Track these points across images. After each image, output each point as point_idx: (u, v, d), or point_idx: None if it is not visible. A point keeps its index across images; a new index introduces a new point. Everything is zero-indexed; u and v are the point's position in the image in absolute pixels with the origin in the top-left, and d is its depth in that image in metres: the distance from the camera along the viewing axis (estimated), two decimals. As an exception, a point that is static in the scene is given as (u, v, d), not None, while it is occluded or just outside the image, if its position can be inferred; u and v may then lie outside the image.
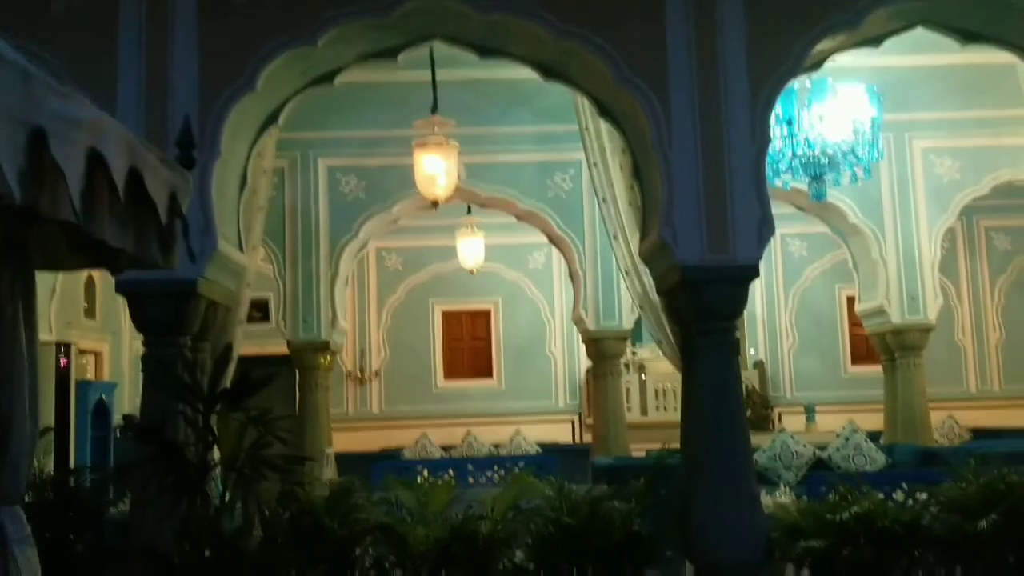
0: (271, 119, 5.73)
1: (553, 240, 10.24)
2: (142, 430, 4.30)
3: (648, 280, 6.11)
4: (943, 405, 12.59)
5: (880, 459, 9.27)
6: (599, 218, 9.60)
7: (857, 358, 14.25)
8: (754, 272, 5.22)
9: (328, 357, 9.79)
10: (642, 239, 5.79)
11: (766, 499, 5.85)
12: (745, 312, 13.68)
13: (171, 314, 5.11)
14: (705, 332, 5.23)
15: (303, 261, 9.64)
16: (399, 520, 5.11)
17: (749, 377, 14.01)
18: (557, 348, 14.40)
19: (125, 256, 2.62)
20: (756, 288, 14.28)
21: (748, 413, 12.29)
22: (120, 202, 2.24)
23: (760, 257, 5.22)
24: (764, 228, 5.21)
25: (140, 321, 5.19)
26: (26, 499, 2.95)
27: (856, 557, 5.02)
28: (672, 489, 5.44)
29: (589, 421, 13.88)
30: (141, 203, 2.42)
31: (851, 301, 14.26)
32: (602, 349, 9.63)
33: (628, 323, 9.66)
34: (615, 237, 6.37)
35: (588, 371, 13.95)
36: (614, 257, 9.61)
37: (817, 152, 7.60)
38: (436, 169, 7.78)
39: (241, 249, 5.76)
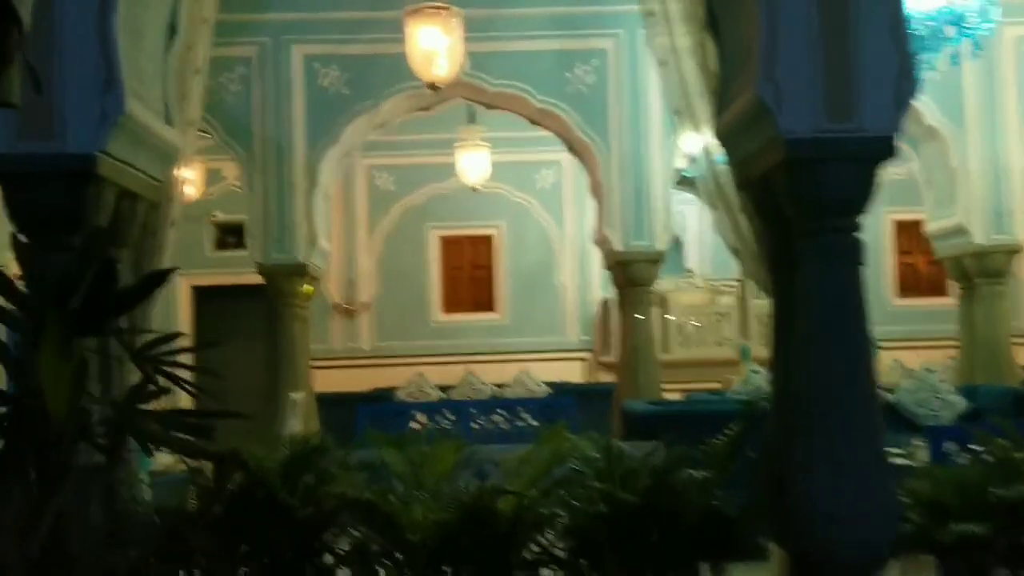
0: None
1: (572, 146, 8.68)
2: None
3: (721, 169, 4.56)
4: None
5: (960, 403, 7.85)
6: (629, 117, 8.10)
7: (905, 289, 12.79)
8: (888, 148, 3.68)
9: (307, 284, 8.28)
10: (720, 110, 4.24)
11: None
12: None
13: (58, 204, 3.58)
14: (817, 232, 3.70)
15: (275, 169, 8.08)
16: (384, 494, 3.63)
17: (783, 310, 12.55)
18: (568, 278, 12.89)
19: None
20: (791, 211, 12.75)
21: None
22: None
23: (898, 126, 3.68)
24: (904, 84, 3.65)
25: (15, 215, 3.65)
26: None
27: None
28: (763, 450, 3.97)
29: (603, 359, 12.45)
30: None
31: (900, 226, 12.81)
32: (630, 274, 8.12)
33: (662, 243, 8.14)
34: (677, 112, 4.80)
35: (602, 303, 12.51)
36: (646, 164, 8.13)
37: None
38: (435, 44, 6.21)
39: (170, 122, 4.21)
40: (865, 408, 3.68)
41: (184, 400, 11.77)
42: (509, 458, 4.04)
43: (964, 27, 6.15)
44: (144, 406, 2.27)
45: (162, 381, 2.34)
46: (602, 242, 8.39)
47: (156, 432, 1.89)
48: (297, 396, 4.62)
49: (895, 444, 5.22)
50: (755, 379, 7.84)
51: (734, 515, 3.70)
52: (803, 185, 3.69)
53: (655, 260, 8.14)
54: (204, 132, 8.21)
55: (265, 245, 8.02)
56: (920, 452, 5.09)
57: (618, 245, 8.12)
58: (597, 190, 8.42)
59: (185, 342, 12.99)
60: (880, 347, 11.33)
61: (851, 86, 3.65)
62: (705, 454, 4.00)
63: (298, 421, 4.80)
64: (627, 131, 8.16)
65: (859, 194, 3.72)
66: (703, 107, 4.52)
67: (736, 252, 4.61)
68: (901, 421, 7.57)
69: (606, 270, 8.76)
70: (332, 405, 10.04)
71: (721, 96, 4.29)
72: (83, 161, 3.55)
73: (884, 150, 3.67)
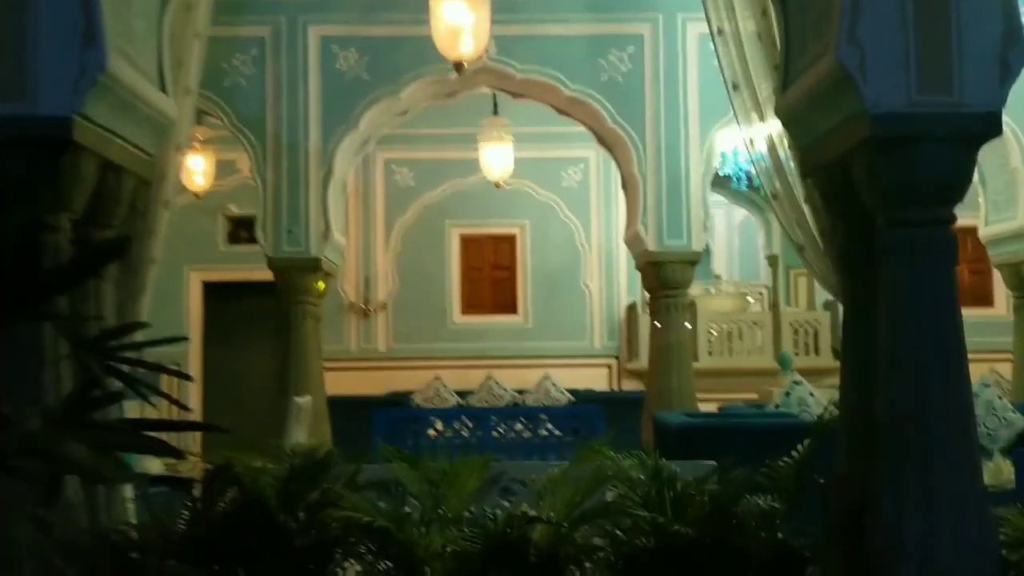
0: None
1: (603, 139, 8.16)
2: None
3: (784, 154, 4.03)
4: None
5: (1020, 422, 7.27)
6: (665, 108, 7.59)
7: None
8: (992, 125, 3.15)
9: (320, 280, 7.80)
10: (785, 85, 3.71)
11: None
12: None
13: (30, 175, 3.10)
14: (905, 225, 3.17)
15: (288, 157, 7.60)
16: (399, 519, 3.12)
17: (818, 318, 12.01)
18: (593, 280, 12.37)
19: None
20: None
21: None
22: None
23: (1003, 101, 3.15)
24: (1011, 53, 3.13)
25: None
26: None
27: None
28: (834, 479, 3.44)
29: (630, 366, 11.93)
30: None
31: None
32: (664, 276, 7.59)
33: (698, 243, 7.61)
34: (735, 87, 4.28)
35: (629, 308, 11.99)
36: (683, 158, 7.62)
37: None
38: (460, 20, 5.72)
39: (163, 89, 3.72)
40: (963, 432, 3.15)
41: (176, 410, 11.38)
42: (540, 478, 3.52)
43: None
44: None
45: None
46: (633, 241, 7.88)
47: (81, 455, 1.39)
48: (303, 401, 4.13)
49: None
50: (799, 391, 7.28)
51: (807, 553, 3.17)
52: (890, 169, 3.15)
53: (691, 261, 7.62)
54: (209, 114, 7.79)
55: (276, 238, 7.54)
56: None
57: (651, 244, 7.60)
58: (629, 186, 7.90)
59: (196, 338, 12.59)
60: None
61: (949, 53, 3.11)
62: (768, 479, 3.47)
63: (303, 428, 4.30)
64: (663, 123, 7.64)
65: (957, 179, 3.18)
66: (764, 82, 3.99)
67: (800, 250, 4.08)
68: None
69: (637, 271, 8.23)
70: (345, 410, 9.56)
71: (786, 69, 3.76)
72: (57, 125, 3.05)
73: (987, 128, 3.14)
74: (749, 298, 13.61)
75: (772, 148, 4.04)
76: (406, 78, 7.59)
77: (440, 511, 3.28)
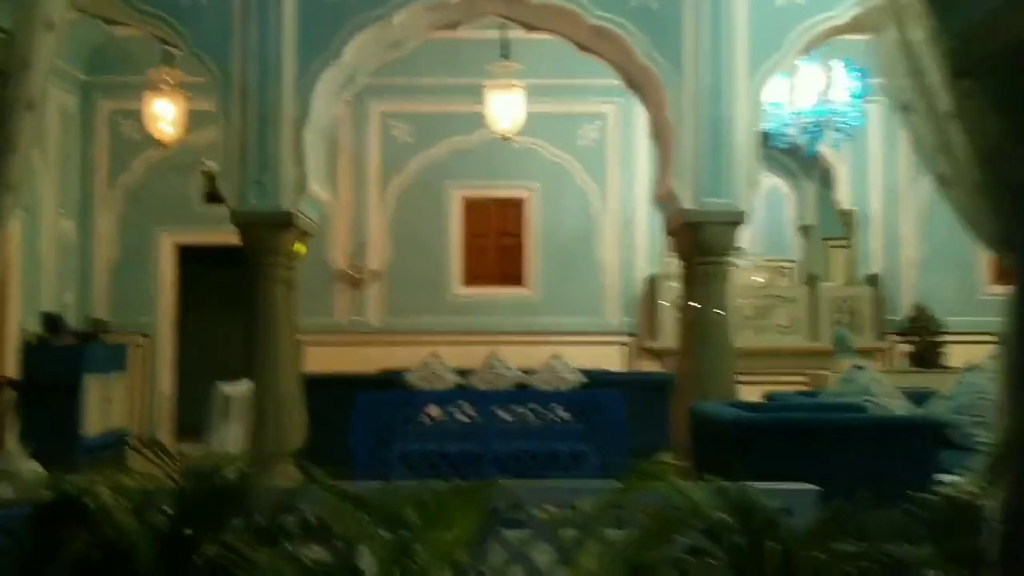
0: None
1: (631, 79, 6.96)
2: None
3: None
4: None
5: None
6: (709, 40, 6.37)
7: (1004, 275, 11.00)
8: None
9: (295, 240, 6.61)
10: None
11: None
12: (856, 210, 10.40)
13: None
14: None
15: (258, 93, 6.39)
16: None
17: (859, 294, 10.80)
18: (609, 250, 11.15)
19: None
20: (872, 180, 10.97)
21: (910, 345, 8.92)
22: None
23: None
24: None
25: None
26: None
27: None
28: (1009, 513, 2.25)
29: (648, 345, 10.75)
30: None
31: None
32: (702, 239, 6.39)
33: (744, 201, 6.40)
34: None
35: (648, 281, 10.79)
36: (727, 101, 6.40)
37: None
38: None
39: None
40: None
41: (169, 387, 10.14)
42: (566, 513, 2.35)
43: None
44: None
45: None
46: (665, 199, 6.66)
47: None
48: (233, 389, 2.96)
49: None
50: (861, 377, 6.09)
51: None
52: None
53: (734, 222, 6.40)
54: (167, 43, 6.59)
55: (242, 189, 6.34)
56: None
57: (687, 203, 6.39)
58: (662, 135, 6.69)
59: (169, 308, 11.43)
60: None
61: None
62: (912, 518, 2.28)
63: (234, 426, 3.11)
64: (706, 58, 6.42)
65: None
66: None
67: (942, 181, 2.86)
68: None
69: (668, 236, 7.01)
70: (327, 391, 8.43)
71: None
72: None
73: None
74: (782, 272, 12.41)
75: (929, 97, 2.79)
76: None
77: (415, 566, 2.10)
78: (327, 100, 6.73)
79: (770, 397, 6.54)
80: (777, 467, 4.44)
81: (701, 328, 6.42)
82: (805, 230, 12.93)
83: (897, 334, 8.58)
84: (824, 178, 12.08)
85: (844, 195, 11.07)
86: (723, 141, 6.38)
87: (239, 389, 2.90)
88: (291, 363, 6.51)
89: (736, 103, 6.42)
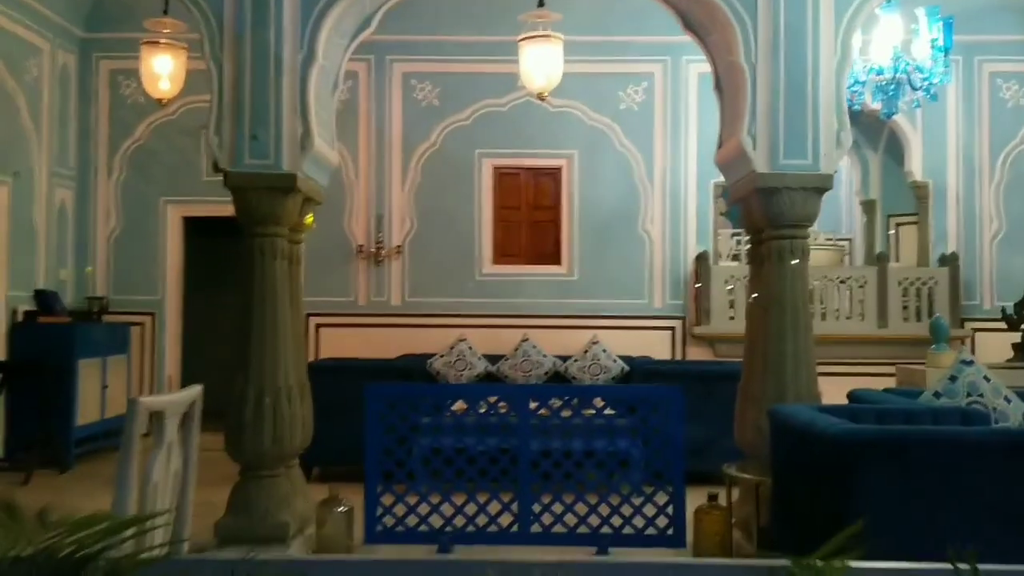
0: None
1: (692, 20, 5.92)
2: None
3: None
4: None
5: None
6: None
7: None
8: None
9: (298, 205, 5.65)
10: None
11: None
12: (932, 184, 9.30)
13: None
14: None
15: (253, 34, 5.42)
16: None
17: (934, 276, 9.71)
18: (655, 225, 10.14)
19: None
20: (949, 149, 9.86)
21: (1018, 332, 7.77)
22: None
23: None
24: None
25: None
26: None
27: None
28: None
29: (698, 331, 9.75)
30: None
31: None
32: (778, 208, 5.33)
33: (830, 163, 5.34)
34: None
35: (698, 259, 9.78)
36: (810, 45, 5.37)
37: None
38: None
39: None
40: None
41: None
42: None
43: None
44: None
45: None
46: (733, 160, 5.62)
47: None
48: (164, 402, 2.07)
49: None
50: (968, 374, 5.06)
51: None
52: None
53: (819, 188, 5.36)
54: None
55: (235, 145, 5.39)
56: None
57: (761, 164, 5.35)
58: (730, 84, 5.65)
59: (175, 286, 10.56)
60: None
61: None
62: None
63: (171, 462, 2.19)
64: (786, -9, 5.38)
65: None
66: None
67: None
68: None
69: (734, 205, 5.98)
70: (343, 379, 7.58)
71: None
72: None
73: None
74: (839, 251, 11.36)
75: None
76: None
77: None
78: (337, 43, 5.76)
79: (852, 396, 5.53)
80: (897, 497, 3.45)
81: (777, 314, 5.40)
82: (867, 205, 11.86)
83: (1003, 320, 7.50)
84: (890, 146, 10.99)
85: (916, 166, 9.96)
86: (804, 93, 5.33)
87: (176, 400, 2.01)
88: (295, 350, 5.59)
89: (820, 48, 5.38)
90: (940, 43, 7.88)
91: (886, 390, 5.69)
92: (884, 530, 3.43)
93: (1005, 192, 9.89)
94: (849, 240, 12.75)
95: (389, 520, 5.64)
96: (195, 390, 2.41)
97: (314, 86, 5.43)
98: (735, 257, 11.35)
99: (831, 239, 11.99)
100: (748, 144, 5.36)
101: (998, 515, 3.34)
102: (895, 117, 9.40)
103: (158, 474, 2.13)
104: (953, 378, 5.16)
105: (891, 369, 8.44)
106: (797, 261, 5.36)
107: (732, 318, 9.60)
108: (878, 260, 9.90)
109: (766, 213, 5.40)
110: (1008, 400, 5.10)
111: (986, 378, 5.16)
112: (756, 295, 5.66)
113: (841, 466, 3.54)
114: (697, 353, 9.79)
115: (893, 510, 3.40)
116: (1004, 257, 9.89)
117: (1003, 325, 9.08)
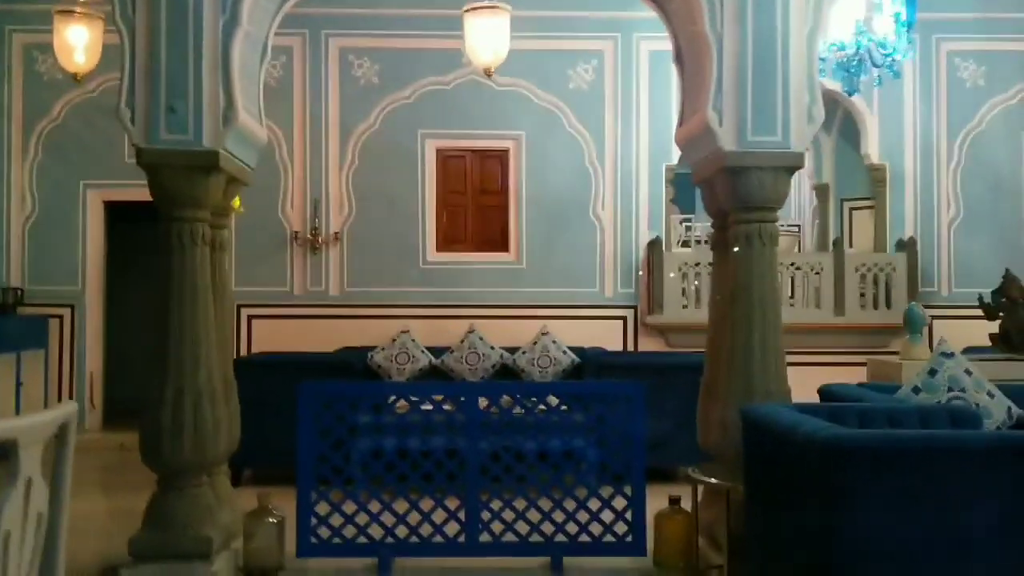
0: None
1: (652, -12, 5.49)
2: None
3: None
4: None
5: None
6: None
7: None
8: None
9: (221, 186, 5.12)
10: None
11: None
12: (888, 167, 9.02)
13: None
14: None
15: (170, -4, 4.87)
16: None
17: (891, 262, 9.46)
18: (606, 210, 9.73)
19: None
20: (906, 130, 9.60)
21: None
22: None
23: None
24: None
25: None
26: None
27: None
28: None
29: (650, 320, 9.38)
30: None
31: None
32: (746, 189, 4.93)
33: (801, 140, 4.95)
34: None
35: (650, 245, 9.41)
36: (779, 12, 4.98)
37: None
38: None
39: None
40: None
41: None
42: None
43: None
44: None
45: None
46: (698, 138, 5.21)
47: None
48: (17, 428, 1.64)
49: None
50: (949, 366, 4.71)
51: None
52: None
53: (788, 167, 4.97)
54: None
55: (150, 119, 4.83)
56: None
57: (728, 142, 4.94)
58: (693, 56, 5.24)
59: (96, 275, 9.90)
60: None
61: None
62: None
63: (32, 502, 1.75)
64: (753, -47, 4.97)
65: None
66: None
67: None
68: None
69: (697, 185, 5.56)
70: (264, 377, 7.09)
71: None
72: None
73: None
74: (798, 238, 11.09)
75: None
76: None
77: None
78: (264, 7, 5.23)
79: (824, 393, 5.17)
80: (890, 505, 3.07)
81: (744, 305, 5.01)
82: (820, 189, 11.60)
83: (980, 308, 7.21)
84: (844, 128, 10.72)
85: (873, 148, 9.67)
86: (774, 65, 4.93)
87: (35, 425, 1.56)
88: (219, 346, 5.06)
89: (790, 15, 4.98)
90: (904, 17, 7.58)
91: (860, 385, 5.34)
92: (879, 545, 3.05)
93: (963, 176, 9.66)
94: (799, 226, 12.49)
95: (324, 531, 5.16)
96: (67, 409, 1.90)
97: (238, 54, 4.90)
98: (685, 244, 11.01)
99: (782, 224, 11.71)
100: (714, 120, 4.95)
101: (1011, 528, 2.97)
102: (851, 98, 9.09)
103: (10, 521, 1.63)
104: (933, 372, 4.81)
105: (851, 359, 8.17)
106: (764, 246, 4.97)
107: (685, 307, 9.26)
108: (834, 246, 9.61)
109: (733, 195, 5.00)
110: (991, 395, 4.78)
111: (967, 371, 4.83)
112: (719, 296, 5.28)
113: (831, 475, 3.14)
114: (649, 343, 9.43)
115: (889, 525, 3.02)
116: (962, 243, 9.67)
117: (962, 313, 8.86)
